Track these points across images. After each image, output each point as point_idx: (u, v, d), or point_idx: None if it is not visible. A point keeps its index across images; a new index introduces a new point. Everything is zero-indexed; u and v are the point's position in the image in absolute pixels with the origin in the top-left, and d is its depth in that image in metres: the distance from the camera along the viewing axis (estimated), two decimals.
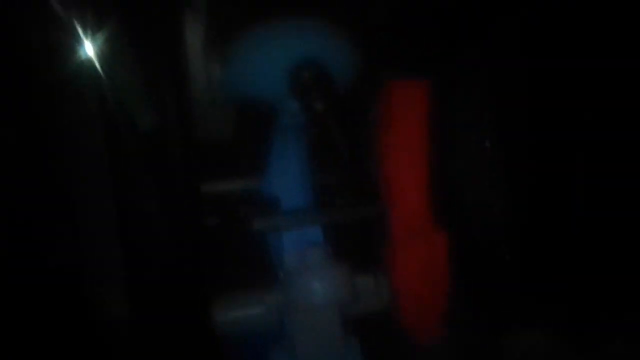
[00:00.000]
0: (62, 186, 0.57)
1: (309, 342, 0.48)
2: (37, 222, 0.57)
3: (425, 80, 0.48)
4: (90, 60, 0.55)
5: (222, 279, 0.52)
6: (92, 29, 0.54)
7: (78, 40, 0.54)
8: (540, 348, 0.58)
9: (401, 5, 0.60)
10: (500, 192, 0.66)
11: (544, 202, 0.68)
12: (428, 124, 0.47)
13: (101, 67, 0.55)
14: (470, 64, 0.66)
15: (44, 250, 0.57)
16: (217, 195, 0.53)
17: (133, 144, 0.57)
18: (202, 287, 0.54)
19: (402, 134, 0.47)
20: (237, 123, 0.58)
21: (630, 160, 0.66)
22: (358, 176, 0.51)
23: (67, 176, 0.57)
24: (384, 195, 0.49)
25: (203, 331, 0.51)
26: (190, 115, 0.58)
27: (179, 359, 0.58)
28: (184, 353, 0.57)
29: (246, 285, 0.49)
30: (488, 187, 0.66)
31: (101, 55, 0.55)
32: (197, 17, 0.56)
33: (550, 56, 0.68)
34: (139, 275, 0.58)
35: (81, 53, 0.55)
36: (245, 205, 0.51)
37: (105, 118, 0.56)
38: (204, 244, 0.55)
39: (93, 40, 0.54)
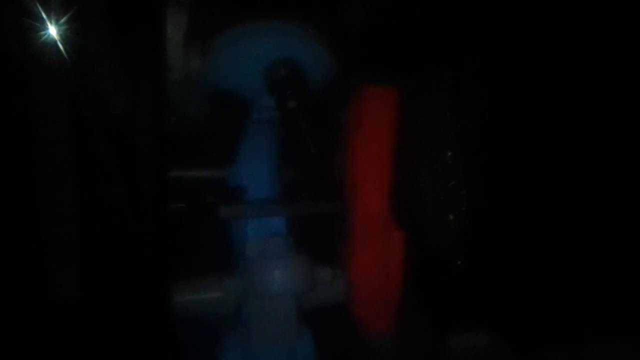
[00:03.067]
0: (25, 165, 0.57)
1: (264, 329, 0.49)
2: None
3: (395, 88, 0.50)
4: (61, 41, 0.55)
5: (185, 263, 0.53)
6: (68, 10, 0.55)
7: (51, 21, 0.55)
8: (484, 348, 0.61)
9: (376, 14, 0.63)
10: (457, 200, 0.70)
11: (498, 212, 0.72)
12: (395, 130, 0.49)
13: (74, 48, 0.56)
14: (438, 75, 0.69)
15: (2, 229, 0.57)
16: (186, 181, 0.54)
17: (102, 125, 0.58)
18: (164, 270, 0.55)
19: (369, 137, 0.49)
20: (212, 114, 0.59)
21: (582, 174, 0.70)
22: (324, 173, 0.53)
23: (30, 155, 0.57)
24: (347, 194, 0.51)
25: (162, 314, 0.52)
26: (164, 103, 0.59)
27: (135, 342, 0.59)
28: (138, 335, 0.58)
29: (208, 270, 0.51)
30: (446, 195, 0.69)
31: (75, 36, 0.55)
32: (180, 10, 0.57)
33: (512, 74, 0.72)
34: (98, 257, 0.59)
35: (54, 33, 0.55)
36: (212, 192, 0.52)
37: (75, 98, 0.57)
38: (169, 228, 0.56)
39: (67, 21, 0.55)
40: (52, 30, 0.55)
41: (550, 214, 0.71)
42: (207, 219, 0.51)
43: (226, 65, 0.53)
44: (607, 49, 0.69)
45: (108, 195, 0.59)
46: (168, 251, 0.56)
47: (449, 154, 0.70)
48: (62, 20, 0.55)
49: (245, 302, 0.50)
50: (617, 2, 0.68)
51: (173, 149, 0.58)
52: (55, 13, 0.55)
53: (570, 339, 0.60)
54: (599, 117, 0.71)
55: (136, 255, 0.59)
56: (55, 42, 0.55)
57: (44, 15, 0.55)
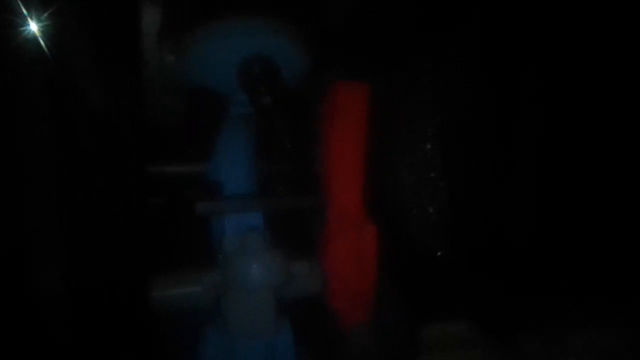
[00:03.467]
0: (6, 162, 0.57)
1: (243, 322, 0.50)
2: None
3: (368, 83, 0.51)
4: (42, 36, 0.56)
5: (162, 258, 0.53)
6: (48, 6, 0.55)
7: (31, 17, 0.55)
8: (462, 336, 0.62)
9: (350, 11, 0.63)
10: (437, 192, 0.70)
11: (478, 203, 0.72)
12: (369, 124, 0.50)
13: (54, 43, 0.56)
14: (418, 67, 0.70)
15: None
16: (164, 177, 0.55)
17: (83, 121, 0.58)
18: (143, 265, 0.56)
19: (342, 132, 0.50)
20: (188, 109, 0.59)
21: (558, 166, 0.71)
22: (299, 168, 0.54)
23: (12, 152, 0.57)
24: (322, 188, 0.52)
25: (141, 309, 0.52)
26: (142, 98, 0.59)
27: (117, 337, 0.59)
28: (121, 331, 0.59)
29: (186, 264, 0.51)
30: (426, 186, 0.70)
31: (53, 32, 0.55)
32: (154, 6, 0.57)
33: (494, 65, 0.73)
34: (80, 253, 0.59)
35: (34, 29, 0.55)
36: (189, 188, 0.53)
37: (55, 94, 0.57)
38: (147, 224, 0.56)
39: (46, 17, 0.55)
40: (33, 26, 0.55)
41: (530, 204, 0.72)
42: (184, 215, 0.51)
43: (200, 61, 0.53)
44: (591, 45, 0.70)
45: (89, 191, 0.60)
46: (147, 246, 0.56)
47: (429, 145, 0.70)
48: (43, 17, 0.55)
49: (223, 295, 0.51)
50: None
51: (150, 145, 0.58)
52: (35, 10, 0.55)
53: (545, 325, 0.61)
54: (583, 110, 0.71)
55: (118, 250, 0.59)
56: (35, 37, 0.56)
57: (24, 12, 0.55)
